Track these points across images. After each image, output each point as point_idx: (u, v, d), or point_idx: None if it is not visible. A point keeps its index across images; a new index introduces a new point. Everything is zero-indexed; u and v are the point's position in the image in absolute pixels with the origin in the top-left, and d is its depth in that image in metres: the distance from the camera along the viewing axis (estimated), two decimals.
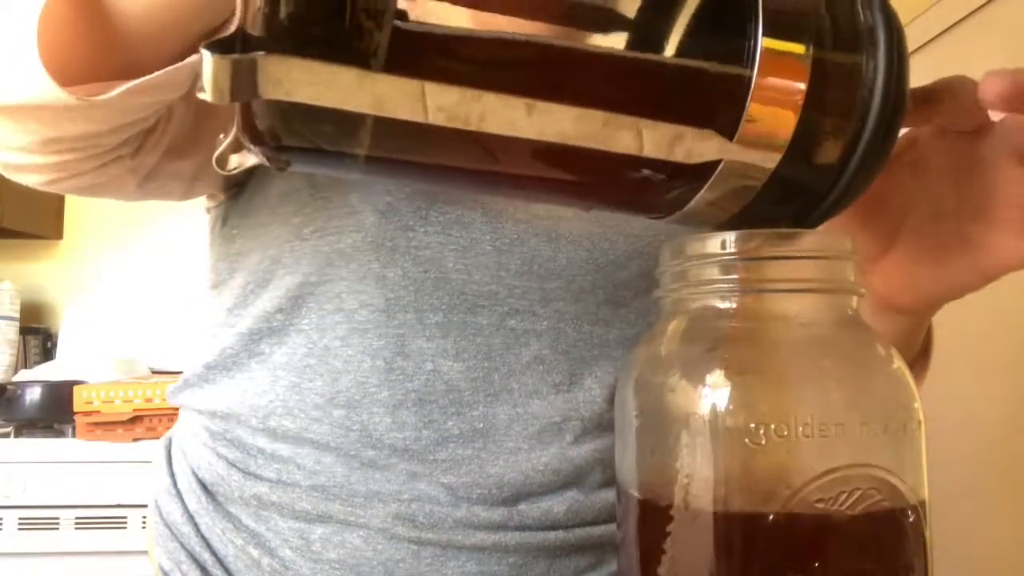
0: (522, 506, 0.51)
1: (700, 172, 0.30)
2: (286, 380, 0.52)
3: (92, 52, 0.39)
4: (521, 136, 0.28)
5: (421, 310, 0.51)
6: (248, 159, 0.29)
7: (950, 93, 0.36)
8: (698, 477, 0.30)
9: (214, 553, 0.54)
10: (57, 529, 1.67)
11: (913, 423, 0.31)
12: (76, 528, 1.67)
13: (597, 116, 0.28)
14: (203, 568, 0.54)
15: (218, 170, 0.29)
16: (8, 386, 1.83)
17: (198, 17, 0.39)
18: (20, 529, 1.67)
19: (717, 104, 0.30)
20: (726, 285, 0.33)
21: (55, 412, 1.78)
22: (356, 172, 0.31)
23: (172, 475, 0.58)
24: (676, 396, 0.32)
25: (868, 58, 0.30)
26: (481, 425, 0.51)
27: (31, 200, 2.23)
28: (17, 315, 2.17)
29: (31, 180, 0.46)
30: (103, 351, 2.07)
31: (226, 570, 0.53)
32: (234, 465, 0.54)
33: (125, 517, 1.66)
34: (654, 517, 0.32)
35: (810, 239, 0.33)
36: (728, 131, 0.29)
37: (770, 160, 0.30)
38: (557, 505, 0.51)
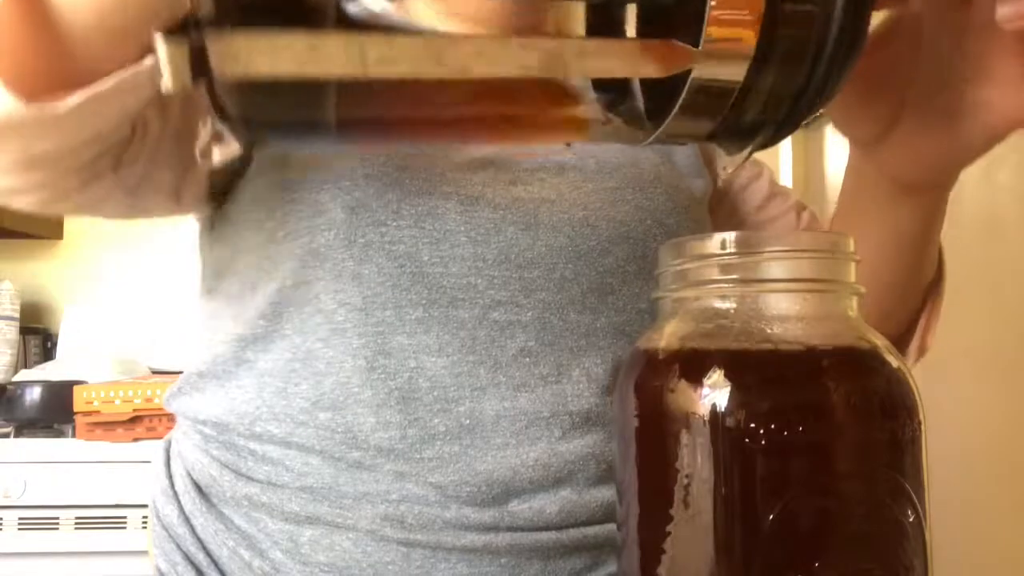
0: (513, 506, 0.50)
1: (672, 90, 0.31)
2: (272, 386, 0.52)
3: (46, 62, 0.37)
4: (481, 75, 0.28)
5: (400, 306, 0.50)
6: (230, 147, 0.29)
7: None
8: (698, 477, 0.30)
9: (209, 554, 0.54)
10: (57, 529, 1.67)
11: (913, 423, 0.31)
12: (76, 528, 1.67)
13: (550, 45, 0.28)
14: (198, 569, 0.54)
15: (202, 164, 0.30)
16: (8, 386, 1.83)
17: (150, 19, 0.36)
18: (20, 529, 1.67)
19: (677, 27, 0.30)
20: (726, 285, 0.33)
21: (55, 412, 1.78)
22: (331, 140, 0.31)
23: (170, 476, 0.58)
24: (676, 396, 0.32)
25: None
26: (468, 421, 0.50)
27: None
28: (17, 315, 2.17)
29: (22, 203, 0.45)
30: (103, 351, 2.07)
31: (220, 571, 0.54)
32: (226, 467, 0.54)
33: (125, 517, 1.65)
34: (654, 517, 0.32)
35: (811, 238, 0.33)
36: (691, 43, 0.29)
37: (738, 71, 0.30)
38: (549, 505, 0.50)
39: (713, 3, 0.29)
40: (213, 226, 0.59)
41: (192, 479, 0.56)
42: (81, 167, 0.43)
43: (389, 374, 0.50)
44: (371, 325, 0.50)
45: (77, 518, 1.67)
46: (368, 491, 0.50)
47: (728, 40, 0.29)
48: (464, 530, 0.49)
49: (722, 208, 0.67)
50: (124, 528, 1.65)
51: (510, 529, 0.50)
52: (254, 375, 0.53)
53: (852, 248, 0.33)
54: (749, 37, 0.29)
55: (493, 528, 0.50)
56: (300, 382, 0.51)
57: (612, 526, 0.52)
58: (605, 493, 0.52)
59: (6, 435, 1.80)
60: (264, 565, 0.52)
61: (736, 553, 0.30)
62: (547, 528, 0.50)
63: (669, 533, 0.31)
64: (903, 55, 0.41)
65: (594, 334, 0.54)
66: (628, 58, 0.30)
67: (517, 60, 0.28)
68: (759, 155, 0.39)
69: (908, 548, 0.31)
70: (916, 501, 0.31)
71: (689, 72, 0.30)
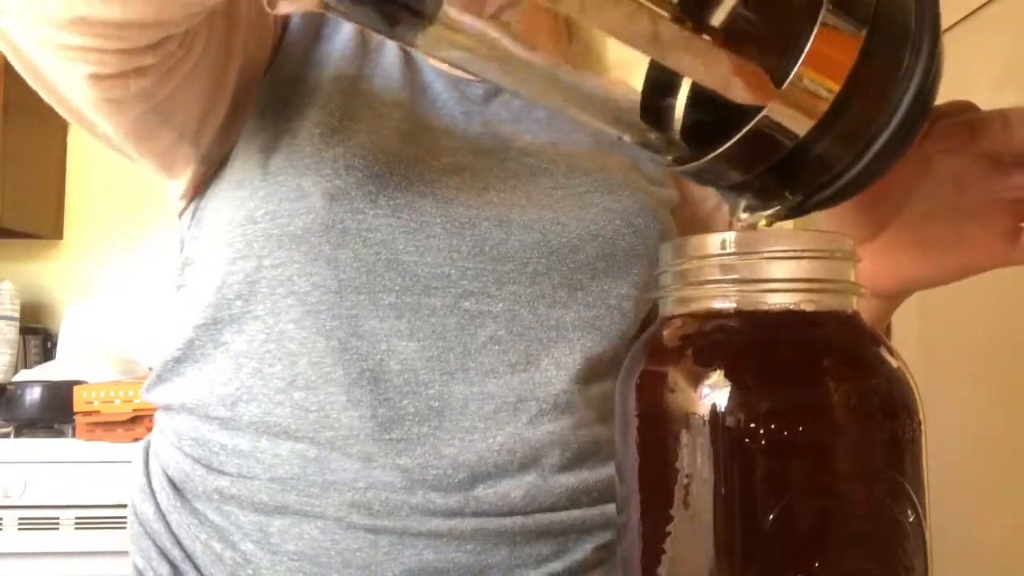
0: (478, 491, 0.51)
1: (737, 120, 0.31)
2: (248, 367, 0.53)
3: None
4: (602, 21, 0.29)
5: (374, 291, 0.52)
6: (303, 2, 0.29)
7: (966, 133, 0.39)
8: (698, 477, 0.30)
9: (183, 549, 0.55)
10: (57, 529, 1.67)
11: (913, 423, 0.31)
12: (76, 528, 1.67)
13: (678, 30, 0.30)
14: (172, 564, 0.56)
15: (268, 8, 0.30)
16: (8, 386, 1.84)
17: None
18: (20, 529, 1.67)
19: (770, 56, 0.31)
20: (726, 285, 0.33)
21: (55, 412, 1.78)
22: (410, 21, 0.30)
23: (147, 475, 0.60)
24: (676, 396, 0.32)
25: (911, 59, 0.31)
26: (436, 404, 0.51)
27: (31, 200, 2.23)
28: (17, 315, 2.17)
29: (50, 59, 0.43)
30: (103, 351, 2.07)
31: (194, 566, 0.55)
32: (199, 462, 0.55)
33: (125, 517, 1.66)
34: (654, 517, 0.32)
35: (810, 238, 0.33)
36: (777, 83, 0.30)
37: (803, 125, 0.30)
38: (514, 489, 0.51)
39: (810, 50, 0.29)
40: (195, 215, 0.60)
41: (168, 476, 0.57)
42: (127, 52, 0.42)
43: (361, 355, 0.51)
44: (345, 308, 0.52)
45: (77, 518, 1.67)
46: (335, 480, 0.51)
47: (808, 92, 0.30)
48: (430, 515, 0.50)
49: (689, 229, 0.68)
50: (124, 528, 1.66)
51: (476, 514, 0.51)
52: (230, 356, 0.54)
53: (852, 248, 0.33)
54: (825, 97, 0.30)
55: (459, 513, 0.51)
56: (275, 363, 0.52)
57: (579, 512, 0.53)
58: (571, 479, 0.53)
59: (6, 435, 1.80)
60: (235, 556, 0.53)
61: (736, 553, 0.30)
62: (512, 513, 0.51)
63: (669, 533, 0.31)
64: (910, 176, 0.43)
65: (563, 327, 0.55)
66: (713, 68, 0.30)
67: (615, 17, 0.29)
68: None
69: (908, 548, 0.31)
70: (916, 501, 0.31)
71: (753, 115, 0.30)
